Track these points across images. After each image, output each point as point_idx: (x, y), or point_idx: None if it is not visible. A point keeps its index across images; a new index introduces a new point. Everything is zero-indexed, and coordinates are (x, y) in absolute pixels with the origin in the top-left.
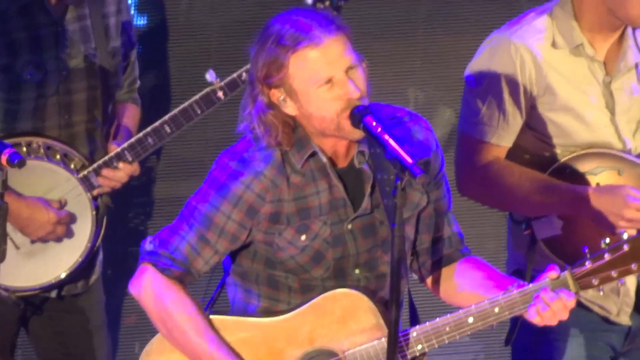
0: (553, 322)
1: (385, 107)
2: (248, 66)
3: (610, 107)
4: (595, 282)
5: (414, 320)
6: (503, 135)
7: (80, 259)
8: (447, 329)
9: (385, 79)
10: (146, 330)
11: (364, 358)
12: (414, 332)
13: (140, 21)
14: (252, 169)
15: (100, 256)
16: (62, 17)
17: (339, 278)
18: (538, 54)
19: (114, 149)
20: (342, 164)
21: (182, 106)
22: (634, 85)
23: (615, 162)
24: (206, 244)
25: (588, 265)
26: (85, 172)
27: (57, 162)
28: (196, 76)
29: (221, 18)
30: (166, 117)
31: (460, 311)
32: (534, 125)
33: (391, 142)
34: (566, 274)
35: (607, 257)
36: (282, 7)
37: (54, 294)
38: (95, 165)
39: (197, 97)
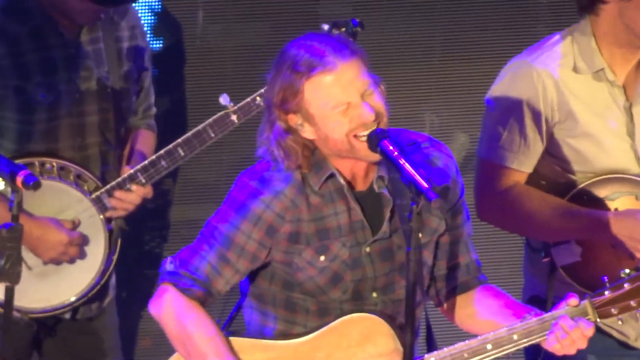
0: (572, 351)
1: (405, 132)
2: (262, 90)
3: (630, 133)
4: (614, 311)
5: (431, 346)
6: (524, 160)
7: (93, 282)
8: (465, 355)
9: (401, 104)
10: (161, 352)
11: None
12: (431, 358)
13: (156, 45)
14: (272, 189)
15: (113, 279)
16: (75, 39)
17: (357, 301)
18: (560, 79)
19: (127, 172)
20: (361, 187)
21: (195, 129)
22: None
23: (633, 187)
24: (227, 264)
25: (607, 294)
26: (98, 194)
27: (70, 183)
28: (211, 100)
29: (236, 42)
30: (180, 140)
31: (478, 338)
32: (553, 151)
33: (407, 166)
34: (586, 302)
35: (626, 286)
36: (297, 31)
37: (67, 315)
38: (108, 186)
39: (210, 120)
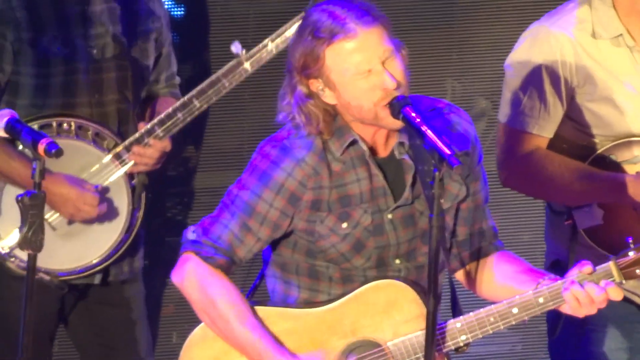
0: (593, 310)
1: (425, 98)
2: (272, 35)
3: None
4: (639, 272)
5: (456, 311)
6: (544, 125)
7: (120, 238)
8: (492, 319)
9: (422, 71)
10: (184, 320)
11: (408, 348)
12: (457, 323)
13: (177, 12)
14: (294, 156)
15: (142, 250)
16: None
17: (380, 268)
18: (578, 44)
19: (144, 127)
20: (382, 154)
21: (209, 79)
22: None
23: None
24: (249, 232)
25: (632, 255)
26: (117, 150)
27: (88, 141)
28: None
29: (258, 9)
30: (194, 91)
31: (504, 302)
32: (574, 115)
33: (429, 133)
34: (610, 263)
35: None
36: None
37: (97, 279)
38: (126, 142)
39: (223, 69)
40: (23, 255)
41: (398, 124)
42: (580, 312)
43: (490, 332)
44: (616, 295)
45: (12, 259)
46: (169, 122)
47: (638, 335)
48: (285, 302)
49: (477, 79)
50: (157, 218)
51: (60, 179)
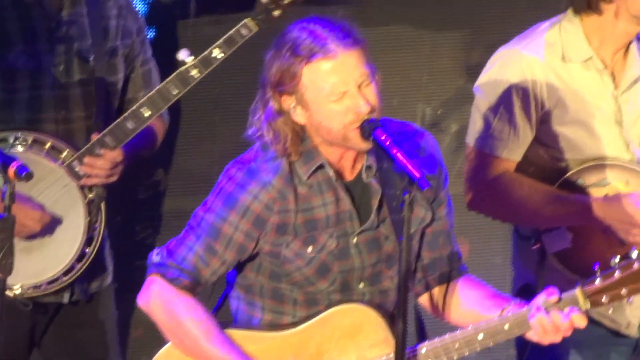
0: (557, 339)
1: (393, 122)
2: (219, 42)
3: (619, 120)
4: (605, 300)
5: (422, 335)
6: (513, 149)
7: (79, 251)
8: (457, 345)
9: (393, 94)
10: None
11: None
12: (423, 348)
13: (149, 34)
14: (260, 180)
15: (111, 265)
16: (57, 12)
17: (344, 292)
18: (549, 67)
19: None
20: (349, 177)
21: (157, 87)
22: None
23: (622, 173)
24: (214, 255)
25: (598, 282)
26: (68, 162)
27: (41, 154)
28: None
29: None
30: (144, 99)
31: (470, 327)
32: (543, 138)
33: (399, 155)
34: (576, 291)
35: (617, 275)
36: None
37: (65, 298)
38: (78, 153)
39: (171, 76)
40: None
41: (366, 145)
42: (546, 339)
43: (456, 357)
44: (580, 322)
45: None
46: (119, 132)
47: (608, 358)
48: (249, 324)
49: (447, 103)
50: (126, 241)
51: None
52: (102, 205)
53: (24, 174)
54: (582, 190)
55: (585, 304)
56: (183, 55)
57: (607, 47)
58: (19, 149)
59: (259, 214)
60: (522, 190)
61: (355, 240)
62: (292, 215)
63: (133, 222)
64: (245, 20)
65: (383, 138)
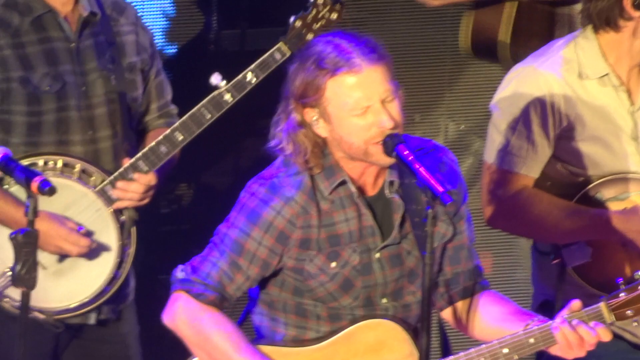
0: (582, 353)
1: (414, 138)
2: (252, 67)
3: (635, 136)
4: (629, 313)
5: (446, 350)
6: (532, 165)
7: (111, 275)
8: (482, 359)
9: (415, 109)
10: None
11: None
12: None
13: (170, 50)
14: (283, 195)
15: (133, 282)
16: (75, 32)
17: (368, 307)
18: (566, 84)
19: (128, 162)
20: (371, 192)
21: (191, 112)
22: None
23: None
24: (238, 270)
25: (623, 296)
26: (101, 186)
27: (73, 179)
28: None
29: (250, 47)
30: (177, 124)
31: (494, 341)
32: (561, 155)
33: (422, 170)
34: (601, 305)
35: None
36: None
37: (92, 319)
38: (111, 177)
39: (204, 101)
40: (16, 294)
41: (388, 160)
42: (570, 354)
43: None
44: (606, 336)
45: (6, 299)
46: (153, 156)
47: None
48: (272, 339)
49: (469, 118)
50: (148, 256)
51: (42, 216)
52: (133, 229)
53: (47, 188)
54: (601, 204)
55: (610, 318)
56: (216, 79)
57: (623, 63)
58: (50, 174)
59: (282, 230)
60: (541, 206)
61: (377, 255)
62: (315, 231)
63: (155, 236)
64: (279, 45)
65: (406, 153)
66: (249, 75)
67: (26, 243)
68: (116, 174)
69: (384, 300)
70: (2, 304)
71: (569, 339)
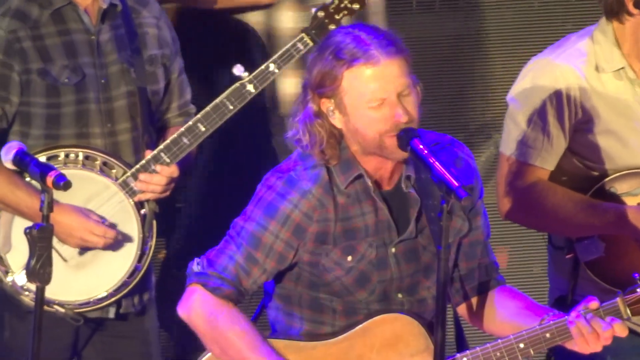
0: (598, 348)
1: (429, 133)
2: (275, 57)
3: None
4: None
5: (461, 344)
6: (547, 157)
7: (132, 267)
8: (498, 354)
9: (435, 104)
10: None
11: None
12: (464, 358)
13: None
14: (300, 188)
15: (153, 278)
16: (96, 24)
17: (383, 302)
18: (582, 76)
19: (150, 154)
20: (387, 186)
21: (213, 103)
22: None
23: None
24: (254, 264)
25: (639, 291)
26: (123, 178)
27: (95, 171)
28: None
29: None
30: (199, 115)
31: (510, 336)
32: (577, 148)
33: (437, 165)
34: (617, 300)
35: None
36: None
37: (112, 313)
38: (133, 169)
39: (227, 92)
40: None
41: (402, 154)
42: (587, 348)
43: None
44: (622, 331)
45: (27, 293)
46: (175, 148)
47: None
48: (287, 334)
49: (487, 112)
50: (164, 250)
51: (66, 209)
52: (154, 221)
53: (62, 182)
54: (615, 199)
55: (626, 313)
56: (238, 70)
57: (637, 56)
58: (71, 166)
59: (299, 223)
60: (555, 199)
61: (393, 250)
62: (332, 224)
63: (170, 230)
64: (301, 35)
65: (421, 147)
66: (272, 66)
67: (41, 238)
68: (138, 166)
69: (400, 295)
70: (21, 297)
71: (585, 334)
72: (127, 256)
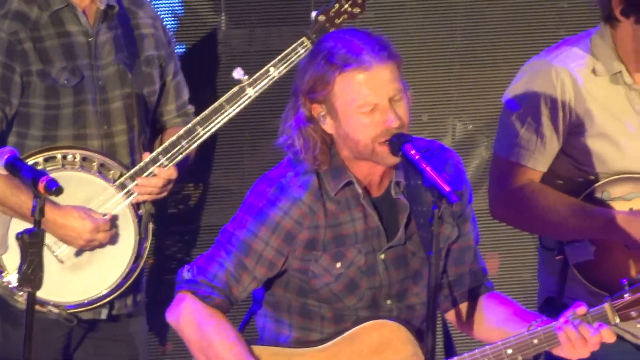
0: (585, 354)
1: (419, 139)
2: (275, 61)
3: None
4: (634, 314)
5: (450, 350)
6: (539, 159)
7: (128, 269)
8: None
9: (423, 109)
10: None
11: None
12: None
13: (178, 49)
14: (290, 195)
15: (144, 281)
16: (93, 26)
17: (372, 308)
18: (578, 78)
19: (148, 156)
20: (376, 193)
21: (212, 106)
22: None
23: None
24: (244, 271)
25: (627, 297)
26: (121, 180)
27: (93, 172)
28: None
29: (259, 47)
30: (198, 117)
31: (498, 342)
32: (569, 151)
33: (429, 170)
34: (605, 305)
35: None
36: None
37: (104, 314)
38: (131, 171)
39: (226, 95)
40: None
41: (393, 160)
42: (574, 354)
43: None
44: (609, 337)
45: (21, 294)
46: (173, 150)
47: None
48: (276, 341)
49: (477, 118)
50: (156, 256)
51: (70, 211)
52: (150, 223)
53: (54, 188)
54: (607, 203)
55: (614, 319)
56: (238, 74)
57: (634, 61)
58: (69, 168)
59: (290, 230)
60: (547, 201)
61: (382, 256)
62: (322, 231)
63: (163, 237)
64: (302, 39)
65: (412, 153)
66: (271, 70)
67: (32, 243)
68: (136, 167)
69: (389, 302)
70: (17, 297)
71: (573, 340)
72: (123, 257)
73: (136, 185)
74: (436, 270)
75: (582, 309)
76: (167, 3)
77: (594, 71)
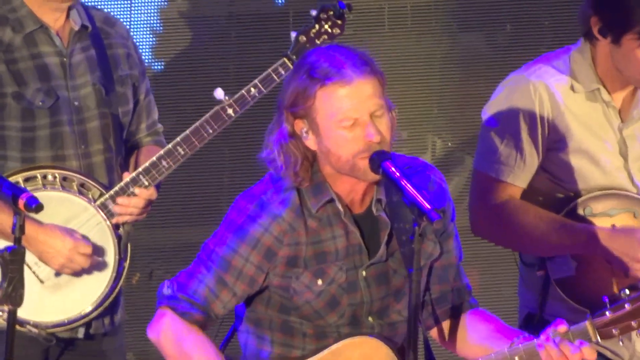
0: None
1: (402, 156)
2: (255, 81)
3: (624, 153)
4: (615, 332)
5: None
6: (519, 174)
7: (107, 289)
8: None
9: (403, 126)
10: None
11: None
12: None
13: (157, 66)
14: (271, 212)
15: (122, 298)
16: (67, 47)
17: (354, 325)
18: (557, 93)
19: (129, 176)
20: (358, 209)
21: (193, 126)
22: None
23: (631, 204)
24: (224, 287)
25: (609, 315)
26: (102, 200)
27: (73, 192)
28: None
29: (238, 64)
30: (178, 138)
31: (479, 359)
32: (549, 167)
33: (409, 187)
34: (586, 323)
35: (627, 307)
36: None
37: (81, 333)
38: (111, 192)
39: (207, 116)
40: None
41: (373, 176)
42: None
43: None
44: (590, 355)
45: (1, 313)
46: (154, 171)
47: None
48: (258, 357)
49: (457, 134)
50: (133, 272)
51: (54, 230)
52: (129, 243)
53: (35, 205)
54: (589, 220)
55: (595, 336)
56: (219, 95)
57: (613, 78)
58: (50, 189)
59: (270, 247)
60: (527, 217)
61: (364, 273)
62: (303, 248)
63: (142, 253)
64: (283, 60)
65: (392, 170)
66: (252, 90)
67: (13, 260)
68: (117, 188)
69: (370, 319)
70: None
71: (554, 357)
72: (103, 277)
73: (117, 205)
74: (417, 287)
75: (562, 327)
76: (146, 21)
77: (572, 87)
